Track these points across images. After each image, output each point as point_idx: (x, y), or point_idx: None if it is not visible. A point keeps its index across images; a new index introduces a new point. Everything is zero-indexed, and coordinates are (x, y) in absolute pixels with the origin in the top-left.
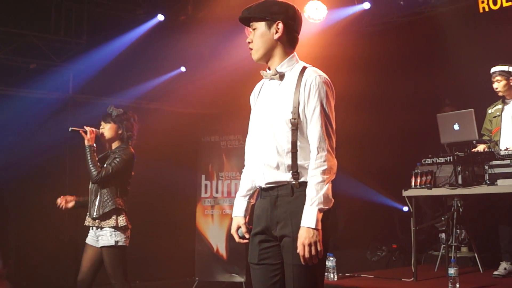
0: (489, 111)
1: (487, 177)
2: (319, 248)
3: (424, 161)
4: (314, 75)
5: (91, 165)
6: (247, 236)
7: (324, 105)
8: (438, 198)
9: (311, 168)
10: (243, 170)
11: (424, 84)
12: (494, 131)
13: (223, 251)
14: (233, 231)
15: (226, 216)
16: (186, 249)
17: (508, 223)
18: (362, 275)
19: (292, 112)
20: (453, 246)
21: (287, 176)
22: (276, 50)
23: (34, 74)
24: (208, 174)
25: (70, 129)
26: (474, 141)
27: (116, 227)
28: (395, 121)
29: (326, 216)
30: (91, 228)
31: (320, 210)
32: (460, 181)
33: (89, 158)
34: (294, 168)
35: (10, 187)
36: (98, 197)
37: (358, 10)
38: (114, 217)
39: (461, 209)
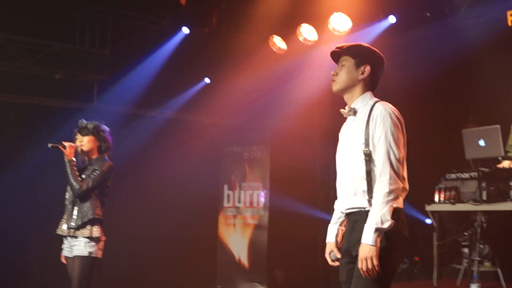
0: None
1: None
2: (374, 263)
3: (448, 176)
4: (381, 108)
5: (72, 180)
6: (339, 256)
7: (388, 134)
8: (462, 213)
9: (374, 191)
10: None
11: (449, 98)
12: None
13: (245, 261)
14: (326, 255)
15: (248, 225)
16: (208, 258)
17: None
18: None
19: (363, 144)
20: (475, 261)
21: (363, 202)
22: (356, 88)
23: (59, 84)
24: (230, 184)
25: (49, 145)
26: (500, 158)
27: (90, 238)
28: (420, 133)
29: (389, 237)
30: (64, 238)
31: (375, 230)
32: (484, 197)
33: (69, 172)
34: (369, 195)
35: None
36: (77, 207)
37: (384, 27)
38: (89, 227)
39: (484, 225)
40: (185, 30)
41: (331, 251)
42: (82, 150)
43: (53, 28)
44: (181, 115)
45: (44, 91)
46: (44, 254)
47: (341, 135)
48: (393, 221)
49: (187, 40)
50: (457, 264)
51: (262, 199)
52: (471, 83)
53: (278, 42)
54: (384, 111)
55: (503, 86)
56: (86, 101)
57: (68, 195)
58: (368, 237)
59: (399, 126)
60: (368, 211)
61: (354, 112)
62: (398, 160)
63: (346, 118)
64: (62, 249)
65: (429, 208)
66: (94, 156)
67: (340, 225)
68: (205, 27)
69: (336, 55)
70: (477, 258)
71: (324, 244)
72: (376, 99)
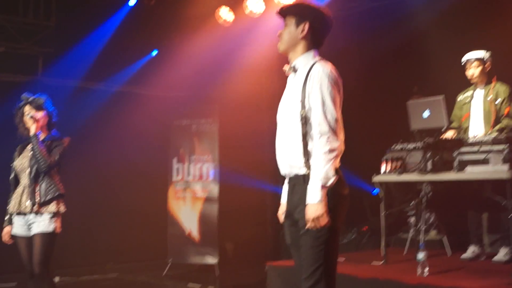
0: (459, 98)
1: (456, 163)
2: (325, 220)
3: (394, 147)
4: (319, 68)
5: (39, 154)
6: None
7: (324, 94)
8: (408, 183)
9: (314, 151)
10: None
11: (395, 69)
12: (464, 118)
13: (195, 234)
14: (278, 214)
15: (198, 199)
16: (158, 232)
17: (477, 208)
18: None
19: (300, 105)
20: (422, 230)
21: (300, 165)
22: (298, 47)
23: (2, 57)
24: (179, 157)
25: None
26: (443, 128)
27: (56, 213)
28: (366, 105)
29: (333, 196)
30: (17, 216)
31: (321, 187)
32: (429, 167)
33: (37, 146)
34: (305, 158)
35: None
36: (40, 184)
37: None
38: (55, 203)
39: (430, 194)
40: (132, 1)
41: (284, 211)
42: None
43: None
44: (129, 88)
45: None
46: None
47: (284, 94)
48: (336, 176)
49: (134, 11)
50: (404, 233)
51: (212, 172)
52: (416, 54)
53: (224, 14)
54: (321, 71)
55: (448, 58)
56: (31, 75)
57: (27, 170)
58: (314, 196)
59: (336, 87)
60: (304, 175)
61: (294, 70)
62: (335, 120)
63: None
64: (4, 227)
65: (376, 178)
66: (44, 132)
67: None
68: None
69: (283, 16)
70: (423, 227)
71: (273, 217)
72: (318, 58)
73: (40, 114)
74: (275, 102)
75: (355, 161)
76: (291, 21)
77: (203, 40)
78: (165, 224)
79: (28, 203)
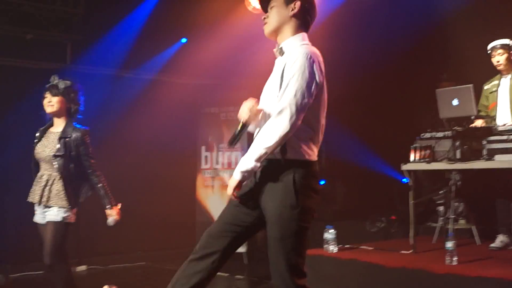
0: (486, 87)
1: (485, 152)
2: (230, 191)
3: (423, 136)
4: (300, 50)
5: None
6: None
7: (297, 76)
8: (437, 172)
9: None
10: None
11: (423, 58)
12: (491, 107)
13: None
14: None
15: (227, 187)
16: (186, 220)
17: (506, 197)
18: (361, 246)
19: (279, 89)
20: (451, 219)
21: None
22: (287, 27)
23: (31, 45)
24: (208, 145)
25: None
26: (472, 117)
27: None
28: (396, 93)
29: (304, 189)
30: (37, 205)
31: (253, 158)
32: (458, 156)
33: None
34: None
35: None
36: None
37: None
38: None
39: (459, 183)
40: None
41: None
42: (50, 111)
43: None
44: (157, 76)
45: (15, 51)
46: (19, 217)
47: (270, 77)
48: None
49: None
50: (433, 222)
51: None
52: (445, 42)
53: (253, 1)
54: (302, 51)
55: (477, 45)
56: (59, 62)
57: (56, 164)
58: (241, 163)
59: (312, 71)
60: (279, 160)
61: (281, 52)
62: (305, 104)
63: None
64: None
65: (405, 167)
66: (64, 120)
67: None
68: None
69: (266, 3)
70: (452, 216)
71: None
72: (306, 42)
73: (54, 100)
74: None
75: (384, 149)
76: (279, 1)
77: (232, 28)
78: (193, 212)
79: (37, 197)
